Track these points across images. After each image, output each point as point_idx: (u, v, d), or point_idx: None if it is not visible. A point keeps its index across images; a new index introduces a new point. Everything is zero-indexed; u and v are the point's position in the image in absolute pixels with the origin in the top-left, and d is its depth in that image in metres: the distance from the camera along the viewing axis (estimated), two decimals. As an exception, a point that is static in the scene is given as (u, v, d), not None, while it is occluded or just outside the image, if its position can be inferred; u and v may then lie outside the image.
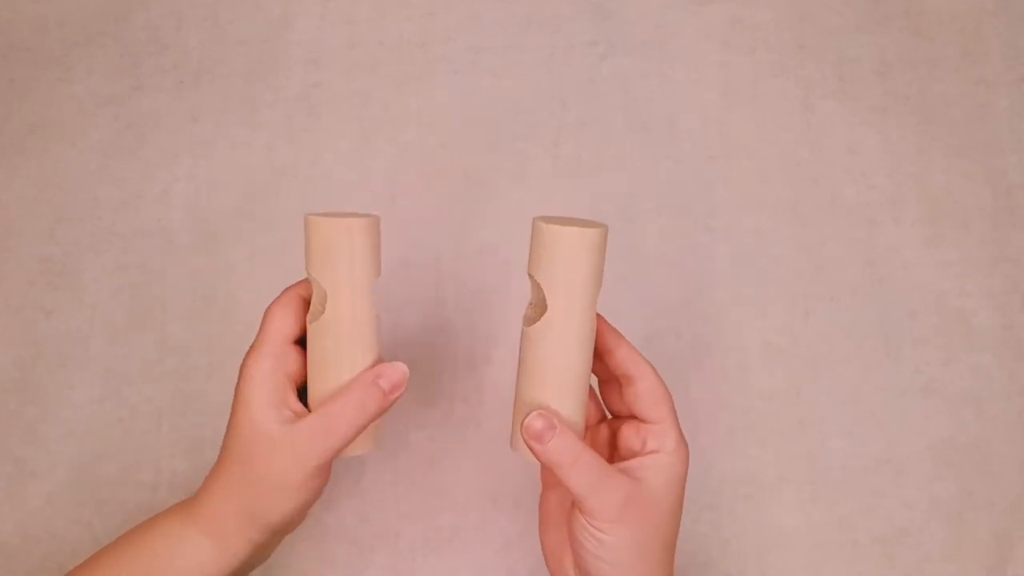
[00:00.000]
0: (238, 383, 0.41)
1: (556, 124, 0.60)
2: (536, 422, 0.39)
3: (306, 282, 0.42)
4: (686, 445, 0.41)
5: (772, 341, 0.57)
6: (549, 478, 0.46)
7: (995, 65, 0.61)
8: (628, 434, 0.42)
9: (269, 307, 0.42)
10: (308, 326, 0.41)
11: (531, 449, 0.39)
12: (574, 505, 0.40)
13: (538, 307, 0.41)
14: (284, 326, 0.41)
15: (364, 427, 0.40)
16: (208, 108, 0.61)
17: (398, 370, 0.41)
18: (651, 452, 0.40)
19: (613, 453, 0.44)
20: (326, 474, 0.41)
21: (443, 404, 0.56)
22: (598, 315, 0.41)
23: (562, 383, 0.40)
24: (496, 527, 0.54)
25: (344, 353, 0.40)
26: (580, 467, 0.38)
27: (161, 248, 0.58)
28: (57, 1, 0.62)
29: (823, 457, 0.55)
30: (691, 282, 0.58)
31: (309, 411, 0.41)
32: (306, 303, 0.42)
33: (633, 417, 0.42)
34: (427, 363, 0.56)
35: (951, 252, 0.58)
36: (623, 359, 0.42)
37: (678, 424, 0.41)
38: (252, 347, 0.41)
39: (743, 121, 0.60)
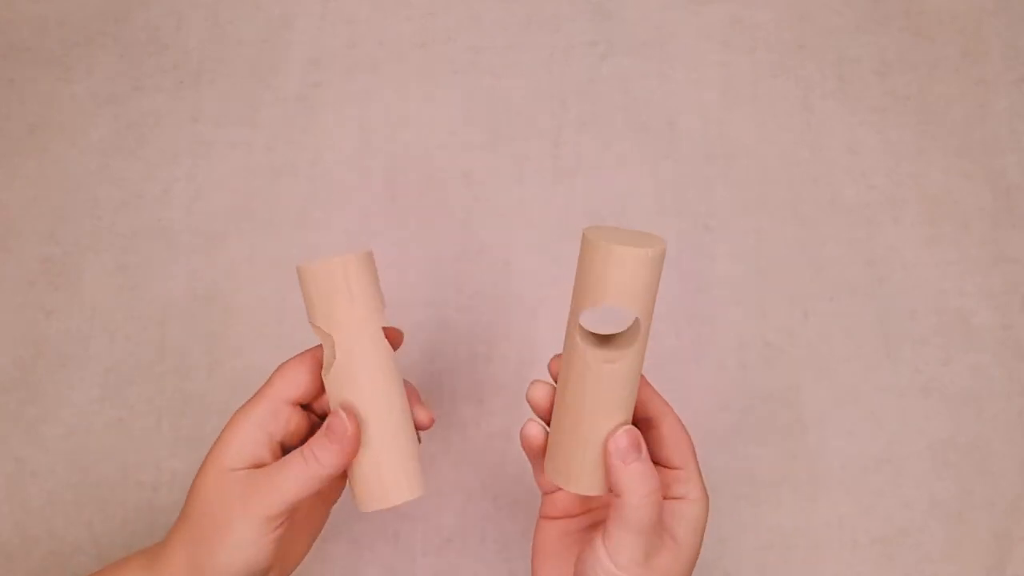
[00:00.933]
0: (222, 432, 0.40)
1: (556, 124, 0.60)
2: (624, 439, 0.37)
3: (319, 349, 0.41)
4: (707, 494, 0.40)
5: (771, 341, 0.57)
6: (551, 509, 0.43)
7: (995, 65, 0.61)
8: None
9: (280, 365, 0.41)
10: (325, 381, 0.39)
11: (610, 466, 0.37)
12: (597, 541, 0.38)
13: None
14: (287, 385, 0.40)
15: (313, 482, 0.38)
16: (208, 108, 0.61)
17: (343, 424, 0.38)
18: (676, 498, 0.39)
19: None
20: (279, 530, 0.39)
21: (443, 404, 0.56)
22: None
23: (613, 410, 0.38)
24: (496, 527, 0.54)
25: (366, 398, 0.39)
26: (654, 501, 0.36)
27: (161, 248, 0.58)
28: (57, 1, 0.62)
29: (823, 457, 0.55)
30: (691, 282, 0.58)
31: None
32: (320, 365, 0.41)
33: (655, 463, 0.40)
34: (427, 363, 0.56)
35: (951, 252, 0.58)
36: (645, 400, 0.40)
37: (700, 471, 0.40)
38: (248, 401, 0.40)
39: (743, 121, 0.60)
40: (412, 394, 0.42)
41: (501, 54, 0.61)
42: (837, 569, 0.54)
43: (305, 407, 0.42)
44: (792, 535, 0.54)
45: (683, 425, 0.40)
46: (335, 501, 0.44)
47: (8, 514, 0.54)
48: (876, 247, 0.58)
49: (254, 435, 0.39)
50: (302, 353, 0.41)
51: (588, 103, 0.61)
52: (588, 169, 0.60)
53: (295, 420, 0.40)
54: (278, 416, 0.40)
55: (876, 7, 0.62)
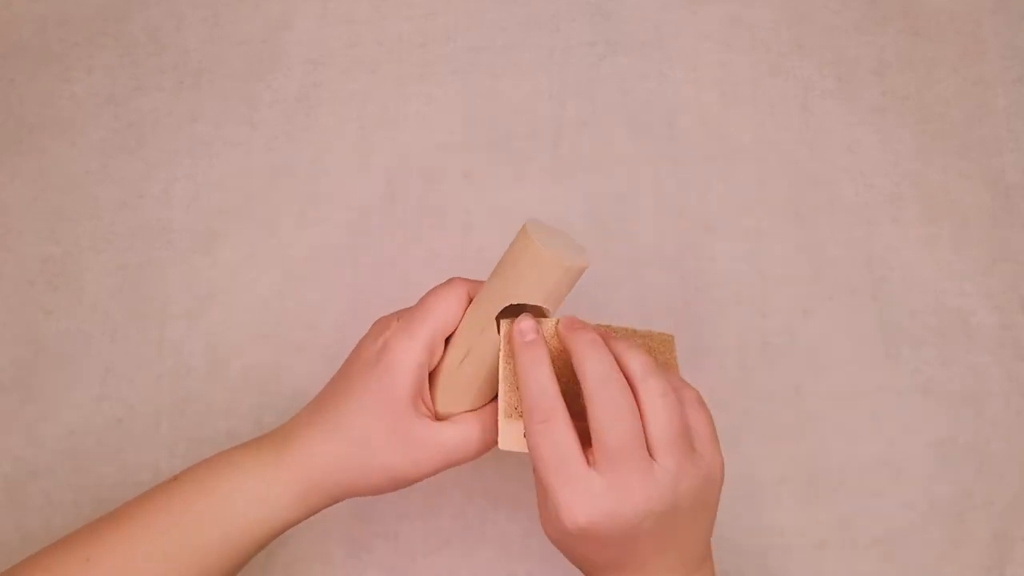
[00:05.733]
0: (381, 361, 0.41)
1: (556, 124, 0.60)
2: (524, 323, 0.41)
3: (476, 284, 0.43)
4: None
5: (771, 341, 0.57)
6: None
7: (993, 65, 0.61)
8: None
9: (437, 293, 0.42)
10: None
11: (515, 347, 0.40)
12: None
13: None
14: (447, 320, 0.41)
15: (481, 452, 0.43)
16: (208, 108, 0.61)
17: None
18: None
19: None
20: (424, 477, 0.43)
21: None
22: None
23: None
24: (496, 527, 0.54)
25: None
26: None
27: (161, 248, 0.58)
28: (57, 1, 0.62)
29: (823, 457, 0.55)
30: (691, 282, 0.58)
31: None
32: (469, 303, 0.43)
33: None
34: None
35: (949, 252, 0.58)
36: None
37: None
38: (407, 328, 0.41)
39: (742, 121, 0.60)
40: None
41: (501, 54, 0.62)
42: (837, 569, 0.54)
43: None
44: (792, 535, 0.54)
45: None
46: None
47: (7, 514, 0.54)
48: (875, 247, 0.58)
49: (422, 374, 0.41)
50: (459, 287, 0.42)
51: (587, 103, 0.61)
52: (588, 169, 0.60)
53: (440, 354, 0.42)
54: (438, 353, 0.42)
55: (874, 7, 0.62)
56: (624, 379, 0.38)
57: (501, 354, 0.41)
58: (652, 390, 0.38)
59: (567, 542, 0.39)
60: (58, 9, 0.62)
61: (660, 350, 0.43)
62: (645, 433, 0.37)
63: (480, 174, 0.59)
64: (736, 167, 0.60)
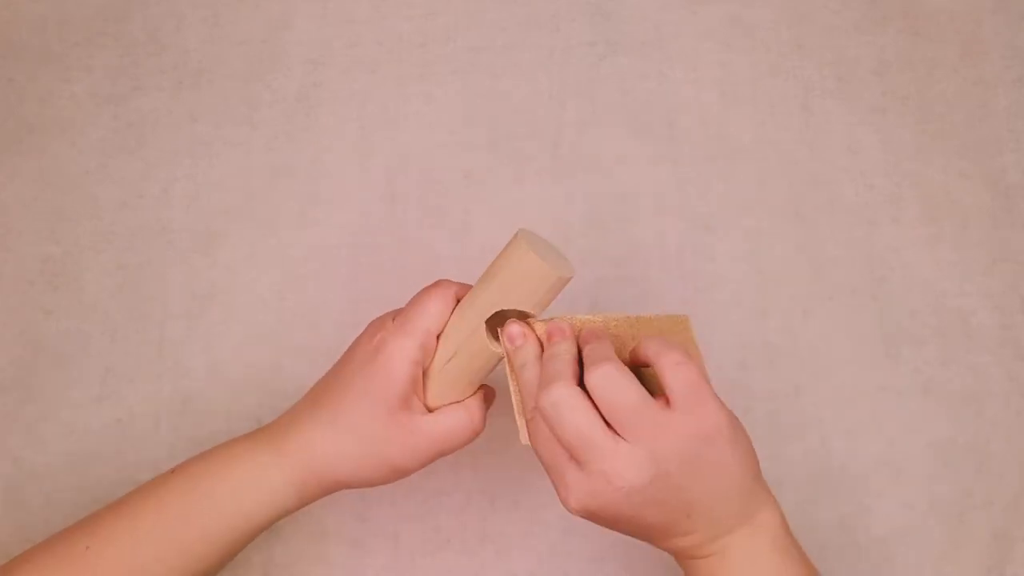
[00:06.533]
0: (378, 359, 0.42)
1: (555, 124, 0.60)
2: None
3: (462, 286, 0.45)
4: None
5: (772, 341, 0.57)
6: None
7: (994, 65, 0.61)
8: None
9: (429, 293, 0.44)
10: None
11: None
12: None
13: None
14: (439, 320, 0.43)
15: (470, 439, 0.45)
16: (207, 108, 0.61)
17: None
18: None
19: None
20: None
21: (443, 404, 0.56)
22: None
23: None
24: (496, 527, 0.54)
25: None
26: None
27: (161, 248, 0.58)
28: (57, 1, 0.62)
29: (823, 457, 0.55)
30: (691, 282, 0.58)
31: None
32: (456, 303, 0.44)
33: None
34: (427, 363, 0.56)
35: (950, 252, 0.58)
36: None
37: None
38: (402, 327, 0.43)
39: (742, 121, 0.60)
40: None
41: (501, 54, 0.62)
42: (837, 569, 0.54)
43: None
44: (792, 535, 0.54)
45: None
46: None
47: (6, 514, 0.54)
48: (876, 247, 0.58)
49: (417, 371, 0.43)
50: (448, 289, 0.44)
51: (588, 103, 0.61)
52: (588, 169, 0.60)
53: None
54: (431, 351, 0.44)
55: (875, 7, 0.62)
56: (571, 379, 0.40)
57: (507, 360, 0.43)
58: (594, 377, 0.39)
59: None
60: (58, 9, 0.62)
61: (674, 331, 0.45)
62: (604, 417, 0.39)
63: (480, 174, 0.60)
64: (736, 167, 0.60)
